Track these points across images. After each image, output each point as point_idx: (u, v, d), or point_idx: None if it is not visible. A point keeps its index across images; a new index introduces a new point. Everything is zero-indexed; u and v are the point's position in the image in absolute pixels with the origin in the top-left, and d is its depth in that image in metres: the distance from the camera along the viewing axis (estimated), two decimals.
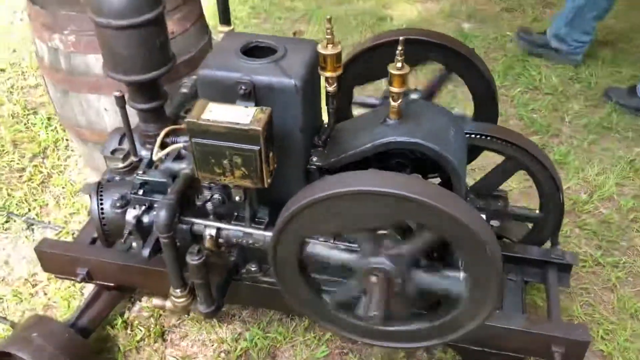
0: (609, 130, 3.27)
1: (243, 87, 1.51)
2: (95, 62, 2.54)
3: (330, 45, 1.56)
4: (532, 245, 2.07)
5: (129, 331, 2.36)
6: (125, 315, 2.40)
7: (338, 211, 1.38)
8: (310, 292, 1.62)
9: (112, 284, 2.13)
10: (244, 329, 2.35)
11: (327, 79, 1.63)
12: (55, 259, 2.09)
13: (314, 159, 1.70)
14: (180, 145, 1.72)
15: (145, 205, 1.75)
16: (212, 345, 2.32)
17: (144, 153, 1.95)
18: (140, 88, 2.01)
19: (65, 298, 2.46)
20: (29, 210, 2.87)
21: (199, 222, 1.72)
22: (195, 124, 1.43)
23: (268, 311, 2.40)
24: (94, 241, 2.22)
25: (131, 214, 1.75)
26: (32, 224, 2.80)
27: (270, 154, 1.49)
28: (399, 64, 1.53)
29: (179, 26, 2.63)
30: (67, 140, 3.24)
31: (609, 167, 3.02)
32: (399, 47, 1.51)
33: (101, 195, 1.87)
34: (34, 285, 2.54)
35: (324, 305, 1.64)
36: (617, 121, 3.31)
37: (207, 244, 1.69)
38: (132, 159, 2.09)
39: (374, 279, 1.48)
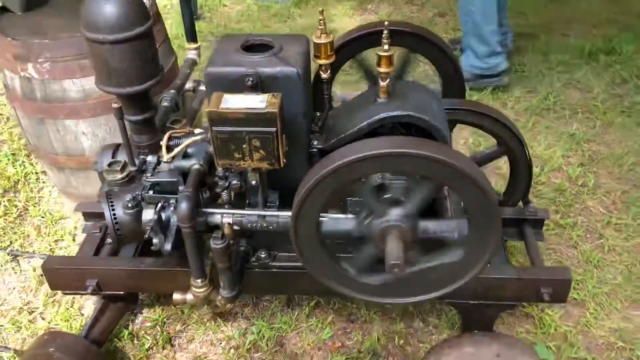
0: (547, 111, 3.59)
1: (250, 79, 1.66)
2: (71, 86, 2.61)
3: (323, 35, 1.74)
4: (506, 207, 2.30)
5: (136, 342, 2.41)
6: (130, 328, 2.45)
7: (359, 174, 1.54)
8: (331, 261, 1.76)
9: (121, 292, 2.19)
10: (249, 324, 2.45)
11: (321, 66, 1.80)
12: (63, 275, 2.13)
13: (315, 142, 1.86)
14: (197, 138, 1.82)
15: (159, 202, 1.85)
16: (221, 344, 2.40)
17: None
18: (134, 100, 2.11)
19: (66, 319, 2.48)
20: (11, 242, 2.87)
21: (215, 212, 1.83)
22: (216, 112, 1.56)
23: (270, 305, 2.51)
24: (96, 254, 2.28)
25: (148, 213, 1.84)
26: (17, 255, 2.80)
27: (284, 136, 1.64)
28: (386, 47, 1.72)
29: None
30: (37, 173, 3.26)
31: (554, 142, 3.33)
32: (385, 32, 1.70)
33: (111, 202, 1.95)
34: (30, 313, 2.55)
35: (346, 273, 1.78)
36: (553, 102, 3.64)
37: (226, 231, 1.80)
38: (130, 169, 2.18)
39: (390, 235, 1.64)
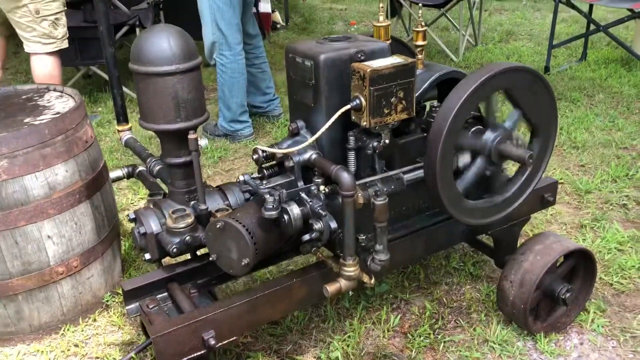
0: None
1: (362, 54, 1.93)
2: (34, 182, 2.30)
3: (383, 20, 2.11)
4: None
5: None
6: None
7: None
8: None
9: (241, 335, 2.00)
10: (322, 346, 2.42)
11: None
12: (176, 338, 1.85)
13: None
14: (316, 136, 1.89)
15: (301, 193, 1.89)
16: None
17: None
18: (183, 137, 2.06)
19: None
20: None
21: None
22: (376, 71, 1.78)
23: (318, 325, 2.51)
24: None
25: (294, 208, 1.85)
26: None
27: None
28: (423, 23, 2.18)
29: None
30: None
31: None
32: (420, 12, 2.17)
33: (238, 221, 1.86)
34: None
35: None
36: None
37: (360, 201, 1.91)
38: (201, 207, 2.09)
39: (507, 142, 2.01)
